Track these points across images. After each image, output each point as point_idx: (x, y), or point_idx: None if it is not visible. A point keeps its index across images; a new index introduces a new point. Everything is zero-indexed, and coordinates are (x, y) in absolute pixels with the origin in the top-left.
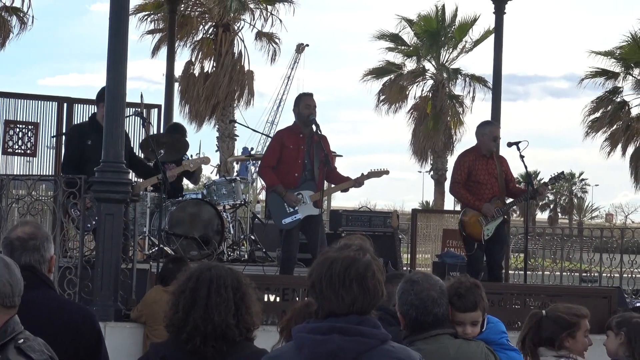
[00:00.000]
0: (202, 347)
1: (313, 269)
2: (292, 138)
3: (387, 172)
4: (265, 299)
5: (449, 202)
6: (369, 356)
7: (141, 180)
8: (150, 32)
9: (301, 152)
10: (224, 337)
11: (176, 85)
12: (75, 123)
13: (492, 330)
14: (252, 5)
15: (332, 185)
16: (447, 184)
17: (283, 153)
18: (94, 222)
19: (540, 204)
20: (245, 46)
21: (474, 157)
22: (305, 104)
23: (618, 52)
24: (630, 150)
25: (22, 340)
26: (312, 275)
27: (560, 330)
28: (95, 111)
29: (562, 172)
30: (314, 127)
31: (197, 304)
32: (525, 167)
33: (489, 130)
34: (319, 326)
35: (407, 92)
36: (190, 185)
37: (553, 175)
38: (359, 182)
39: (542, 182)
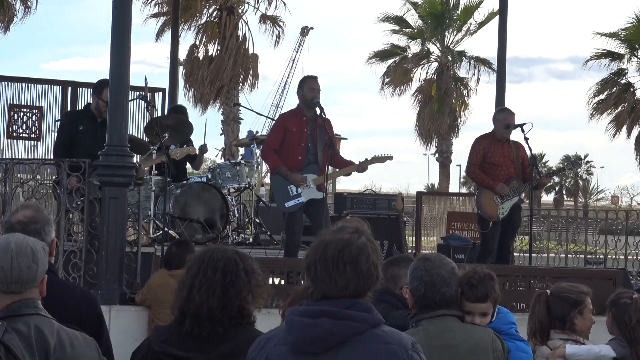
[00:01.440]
0: (196, 329)
1: (309, 251)
2: (295, 121)
3: (390, 158)
4: (270, 282)
5: (454, 185)
6: (358, 340)
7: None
8: (154, 15)
9: (304, 136)
10: (211, 319)
11: (180, 68)
12: (73, 109)
13: (501, 320)
14: None
15: (336, 170)
16: (452, 167)
17: (286, 136)
18: (79, 202)
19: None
20: (249, 29)
21: (489, 142)
22: (309, 87)
23: (623, 33)
24: (636, 132)
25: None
26: (308, 258)
27: (570, 308)
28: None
29: (580, 157)
30: (317, 110)
31: (186, 283)
32: (530, 149)
33: (502, 117)
34: (309, 309)
35: (411, 75)
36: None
37: (571, 160)
38: (362, 167)
39: (558, 166)
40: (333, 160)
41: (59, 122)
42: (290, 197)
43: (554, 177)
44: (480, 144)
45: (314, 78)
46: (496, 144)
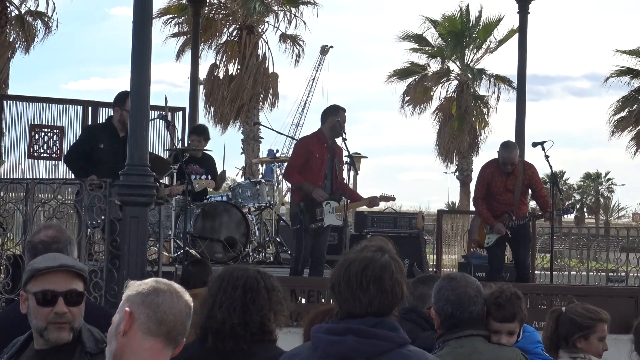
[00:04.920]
0: (219, 344)
1: (333, 270)
2: (317, 146)
3: (393, 199)
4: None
5: None
6: (383, 359)
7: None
8: (175, 35)
9: (325, 162)
10: (234, 336)
11: (201, 88)
12: (93, 125)
13: (528, 339)
14: (275, 8)
15: (349, 202)
16: (472, 185)
17: (309, 160)
18: (99, 220)
19: (567, 204)
20: (269, 48)
21: (493, 170)
22: (343, 119)
23: None
24: None
25: None
26: (332, 277)
27: (575, 330)
28: (112, 114)
29: (573, 203)
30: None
31: (207, 302)
32: (551, 167)
33: (501, 155)
34: (334, 327)
35: (431, 93)
36: None
37: (563, 207)
38: (372, 203)
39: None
40: (341, 184)
41: None
42: (316, 219)
43: (574, 195)
44: (485, 172)
45: (345, 110)
46: (500, 173)
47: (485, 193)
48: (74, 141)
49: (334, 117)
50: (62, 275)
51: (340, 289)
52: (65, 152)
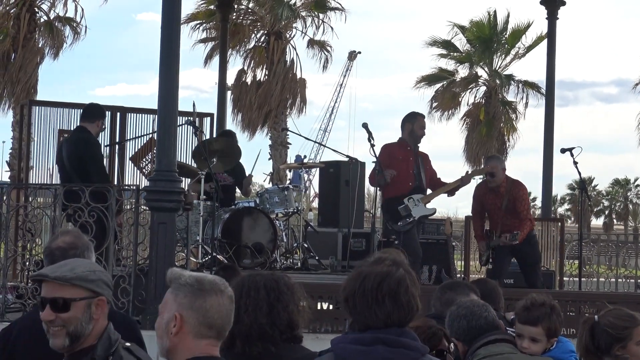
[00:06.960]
0: (247, 349)
1: (346, 283)
2: (400, 150)
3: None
4: (318, 307)
5: None
6: None
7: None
8: (203, 40)
9: (411, 164)
10: (263, 337)
11: (228, 93)
12: (88, 136)
13: (560, 348)
14: (303, 13)
15: (439, 188)
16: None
17: (392, 163)
18: None
19: (595, 210)
20: (297, 54)
21: (483, 189)
22: (420, 125)
23: None
24: None
25: (129, 344)
26: (346, 290)
27: (612, 342)
28: (83, 124)
29: (514, 235)
30: (366, 133)
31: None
32: (579, 173)
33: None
34: (361, 337)
35: (460, 99)
36: None
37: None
38: (466, 181)
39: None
40: (434, 185)
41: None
42: (402, 217)
43: (603, 202)
44: (475, 191)
45: (424, 116)
46: (490, 192)
47: (479, 210)
48: (91, 153)
49: (411, 124)
50: (51, 283)
51: (355, 303)
52: (91, 167)
